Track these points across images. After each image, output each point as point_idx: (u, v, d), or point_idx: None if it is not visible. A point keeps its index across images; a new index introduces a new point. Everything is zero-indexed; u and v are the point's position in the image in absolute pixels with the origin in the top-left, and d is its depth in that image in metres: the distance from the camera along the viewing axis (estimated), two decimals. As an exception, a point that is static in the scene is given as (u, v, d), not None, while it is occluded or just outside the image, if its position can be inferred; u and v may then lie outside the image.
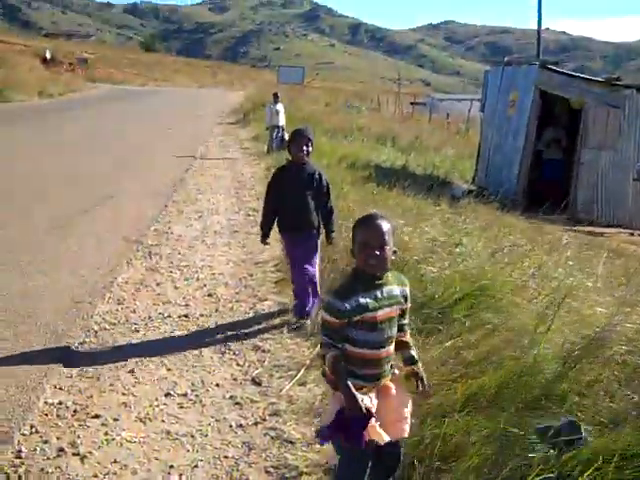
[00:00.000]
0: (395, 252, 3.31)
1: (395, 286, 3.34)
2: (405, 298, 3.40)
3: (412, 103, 52.87)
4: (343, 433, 3.24)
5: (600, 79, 17.51)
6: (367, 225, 3.27)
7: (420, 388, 3.47)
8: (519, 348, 4.93)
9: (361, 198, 11.46)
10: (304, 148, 6.29)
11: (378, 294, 3.25)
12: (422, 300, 6.12)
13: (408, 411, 3.48)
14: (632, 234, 15.17)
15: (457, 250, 7.81)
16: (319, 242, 6.68)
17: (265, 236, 6.67)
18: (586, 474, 3.12)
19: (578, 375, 4.45)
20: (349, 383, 3.21)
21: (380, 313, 3.23)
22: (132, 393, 5.09)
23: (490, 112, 20.01)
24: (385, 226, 3.23)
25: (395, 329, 3.35)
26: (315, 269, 6.60)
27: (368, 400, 3.30)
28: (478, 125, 23.41)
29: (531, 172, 17.15)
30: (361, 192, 12.52)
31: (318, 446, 4.22)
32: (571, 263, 8.03)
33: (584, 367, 4.53)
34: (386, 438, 3.28)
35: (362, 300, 3.20)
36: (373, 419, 3.22)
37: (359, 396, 3.21)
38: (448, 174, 21.24)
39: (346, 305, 3.18)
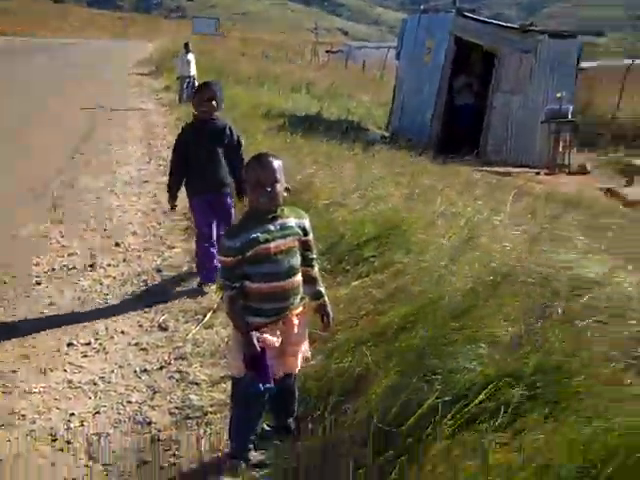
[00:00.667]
0: (287, 189, 3.32)
1: (291, 218, 3.32)
2: (304, 230, 3.38)
3: (328, 51, 52.49)
4: (251, 372, 3.23)
5: (514, 25, 17.69)
6: (257, 164, 3.26)
7: (325, 321, 3.51)
8: (427, 284, 4.94)
9: (275, 146, 11.33)
10: (206, 103, 5.77)
11: (270, 227, 3.23)
12: (332, 241, 6.10)
13: (305, 347, 3.51)
14: (538, 173, 15.54)
15: (370, 194, 7.80)
16: (232, 203, 6.12)
17: (172, 198, 6.03)
18: (484, 392, 3.16)
19: (482, 308, 4.47)
20: (244, 323, 3.25)
21: (273, 245, 3.21)
22: (32, 345, 4.94)
23: (406, 59, 20.00)
24: (275, 163, 3.24)
25: (295, 261, 3.32)
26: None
27: (272, 338, 3.27)
28: (394, 73, 23.37)
29: (444, 117, 17.26)
30: (275, 140, 12.39)
31: (223, 385, 4.18)
32: (480, 202, 8.11)
33: (490, 300, 4.56)
34: (282, 371, 3.30)
35: (253, 234, 3.18)
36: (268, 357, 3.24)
37: (254, 335, 3.22)
38: (363, 120, 21.23)
39: (236, 242, 3.18)
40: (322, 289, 3.55)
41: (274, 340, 3.30)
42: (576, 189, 13.11)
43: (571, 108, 16.12)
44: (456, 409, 3.09)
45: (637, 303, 4.37)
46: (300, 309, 3.43)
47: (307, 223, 3.41)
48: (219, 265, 4.57)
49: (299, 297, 3.39)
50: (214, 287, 5.94)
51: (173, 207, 6.13)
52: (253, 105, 18.03)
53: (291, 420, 3.72)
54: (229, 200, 6.07)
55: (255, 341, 3.21)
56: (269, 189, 3.17)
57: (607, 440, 2.79)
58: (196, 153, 5.81)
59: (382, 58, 39.95)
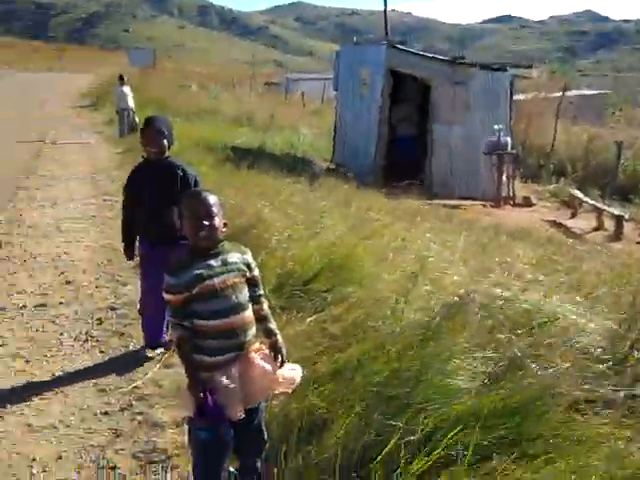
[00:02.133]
0: (225, 224, 3.33)
1: (233, 253, 3.33)
2: (248, 266, 3.37)
3: (266, 83, 52.77)
4: (210, 418, 3.22)
5: (446, 58, 18.09)
6: (194, 198, 3.30)
7: (279, 360, 3.44)
8: (381, 319, 5.01)
9: (220, 180, 11.36)
10: (155, 143, 5.24)
11: (212, 263, 3.23)
12: (283, 277, 6.14)
13: (274, 379, 3.41)
14: (484, 205, 15.81)
15: (317, 227, 7.88)
16: None
17: (128, 247, 5.53)
18: (450, 434, 3.21)
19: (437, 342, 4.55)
20: (190, 364, 3.23)
21: (217, 280, 3.20)
22: (-13, 388, 4.86)
23: (343, 91, 20.25)
24: (211, 198, 3.27)
25: (242, 297, 3.29)
26: None
27: (223, 379, 3.25)
28: (333, 103, 23.62)
29: (387, 148, 17.50)
30: (220, 174, 12.42)
31: (186, 427, 4.18)
32: (429, 235, 8.27)
33: (443, 333, 4.64)
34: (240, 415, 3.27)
35: (195, 271, 3.18)
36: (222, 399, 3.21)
37: (201, 378, 3.21)
38: (306, 153, 21.38)
39: (180, 279, 3.18)
40: (273, 326, 3.51)
41: (226, 382, 3.23)
42: (522, 221, 13.43)
43: (509, 140, 16.54)
44: (423, 451, 3.13)
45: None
46: (256, 345, 3.39)
47: (250, 258, 3.41)
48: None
49: (251, 333, 3.34)
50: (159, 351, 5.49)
51: (131, 258, 5.61)
52: (195, 138, 18.01)
53: (258, 463, 3.65)
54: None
55: (198, 384, 3.18)
56: (207, 223, 3.19)
57: None
58: (148, 197, 5.28)
59: (320, 89, 40.33)
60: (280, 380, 3.44)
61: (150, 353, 5.45)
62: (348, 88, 19.77)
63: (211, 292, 3.20)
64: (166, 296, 3.26)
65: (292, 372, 3.47)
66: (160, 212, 5.17)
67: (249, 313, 3.34)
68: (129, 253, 5.55)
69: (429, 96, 17.25)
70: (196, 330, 3.24)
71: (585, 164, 21.37)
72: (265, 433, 3.63)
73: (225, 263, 3.26)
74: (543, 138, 23.22)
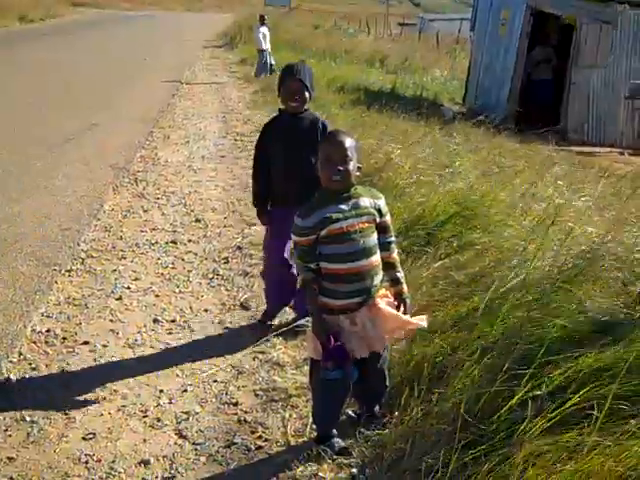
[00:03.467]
0: (360, 168, 3.29)
1: (365, 198, 3.29)
2: (379, 211, 3.33)
3: (401, 24, 51.95)
4: (325, 357, 3.26)
5: (592, -5, 17.15)
6: (330, 141, 3.27)
7: (402, 309, 3.42)
8: (508, 268, 4.88)
9: (351, 121, 11.32)
10: (296, 97, 4.58)
11: (343, 206, 3.21)
12: (410, 221, 6.07)
13: (398, 327, 3.42)
14: (622, 153, 15.07)
15: (447, 171, 7.74)
16: None
17: (264, 215, 4.89)
18: (582, 391, 3.09)
19: (567, 292, 4.39)
20: (315, 306, 3.27)
21: (346, 224, 3.19)
22: (120, 320, 5.06)
23: (481, 32, 19.62)
24: (348, 141, 3.21)
25: (371, 241, 3.27)
26: None
27: (347, 322, 3.27)
28: (468, 45, 23.02)
29: (522, 93, 16.91)
30: (350, 115, 12.37)
31: (307, 368, 4.21)
32: (561, 183, 7.98)
33: (574, 283, 4.47)
34: (361, 354, 3.31)
35: (325, 214, 3.18)
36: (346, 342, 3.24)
37: (327, 320, 3.25)
38: (438, 96, 20.99)
39: (309, 221, 3.19)
40: (400, 275, 3.48)
41: (350, 326, 3.27)
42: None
43: (656, 82, 15.64)
44: (550, 407, 3.02)
45: None
46: (382, 291, 3.38)
47: (383, 203, 3.37)
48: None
49: (377, 279, 3.33)
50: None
51: (268, 222, 4.92)
52: (328, 79, 18.01)
53: (377, 407, 3.70)
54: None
55: (324, 327, 3.23)
56: (341, 167, 3.15)
57: None
58: (282, 155, 4.65)
59: (455, 30, 39.39)
60: (405, 328, 3.42)
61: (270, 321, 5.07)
62: (485, 29, 19.13)
63: (339, 235, 3.19)
64: (294, 238, 3.29)
65: (417, 321, 3.43)
66: (300, 172, 4.51)
67: (376, 258, 3.32)
68: (265, 218, 4.89)
69: (571, 37, 16.42)
70: (323, 273, 3.26)
71: None
72: (387, 378, 3.63)
73: (356, 207, 3.24)
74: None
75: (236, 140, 11.47)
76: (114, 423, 3.81)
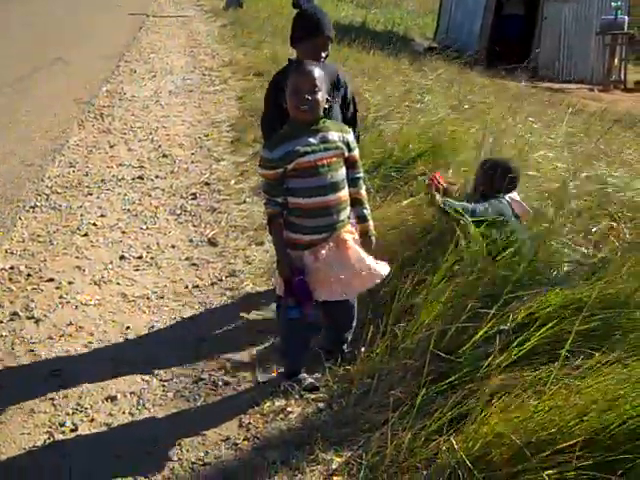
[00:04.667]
0: (328, 100, 3.22)
1: (333, 132, 3.21)
2: (347, 145, 3.25)
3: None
4: (296, 297, 3.22)
5: None
6: (298, 71, 3.17)
7: (367, 247, 3.37)
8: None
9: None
10: (322, 54, 3.64)
11: (311, 140, 3.13)
12: (380, 158, 6.01)
13: (368, 264, 3.33)
14: (592, 90, 15.07)
15: (417, 106, 7.66)
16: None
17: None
18: (544, 329, 3.10)
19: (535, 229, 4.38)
20: (280, 242, 3.25)
21: (313, 157, 3.12)
22: (86, 257, 5.00)
23: (453, -35, 19.36)
24: (316, 72, 3.13)
25: (339, 176, 3.21)
26: None
27: (311, 258, 3.23)
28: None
29: (493, 28, 16.77)
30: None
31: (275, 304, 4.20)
32: (532, 119, 7.94)
33: (541, 220, 4.46)
34: (324, 296, 3.26)
35: (292, 146, 3.10)
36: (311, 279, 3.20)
37: (289, 255, 3.22)
38: (409, 31, 20.75)
39: (275, 153, 3.11)
40: (367, 212, 3.41)
41: (314, 261, 3.21)
42: (632, 107, 12.75)
43: (627, 19, 15.54)
44: (514, 343, 3.03)
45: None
46: (348, 227, 3.33)
47: (351, 138, 3.30)
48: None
49: (345, 215, 3.28)
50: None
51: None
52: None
53: (345, 345, 3.68)
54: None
55: (287, 262, 3.20)
56: (308, 97, 3.08)
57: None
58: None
59: (428, -37, 38.74)
60: (368, 269, 3.36)
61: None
62: (458, -38, 18.88)
63: (307, 169, 3.13)
64: (261, 171, 3.24)
65: (379, 266, 3.38)
66: None
67: (344, 194, 3.26)
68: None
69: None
70: (289, 207, 3.21)
71: None
72: (354, 314, 3.61)
73: (324, 141, 3.17)
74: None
75: (204, 75, 11.28)
76: (80, 360, 3.78)
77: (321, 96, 3.12)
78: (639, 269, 3.52)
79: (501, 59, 14.89)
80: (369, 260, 3.32)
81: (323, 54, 3.66)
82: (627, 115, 10.77)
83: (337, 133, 3.22)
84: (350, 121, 3.89)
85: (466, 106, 8.24)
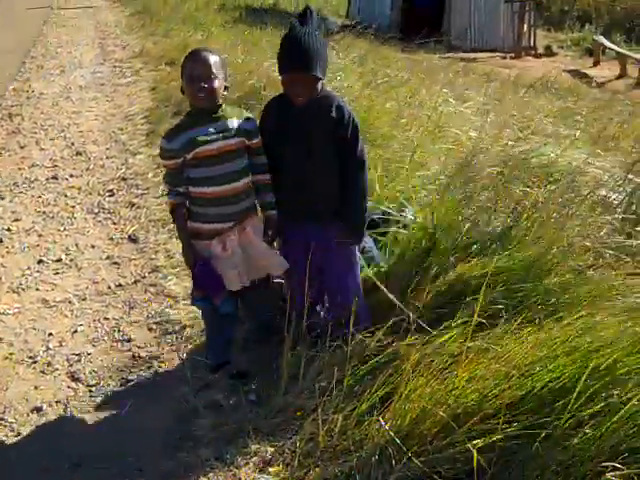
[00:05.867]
0: (227, 87, 3.17)
1: (234, 119, 3.16)
2: (249, 132, 3.20)
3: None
4: (203, 288, 3.22)
5: None
6: (193, 58, 3.10)
7: (269, 235, 3.34)
8: (394, 178, 4.88)
9: (233, 40, 11.03)
10: (302, 92, 3.16)
11: (210, 128, 3.08)
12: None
13: (268, 257, 3.33)
14: (504, 57, 15.31)
15: (331, 85, 7.63)
16: (354, 250, 3.51)
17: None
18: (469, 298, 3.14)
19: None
20: (183, 232, 3.22)
21: (213, 146, 3.07)
22: (2, 264, 4.85)
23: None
24: (212, 59, 3.07)
25: (240, 164, 3.17)
26: (352, 291, 3.40)
27: (218, 247, 3.19)
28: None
29: (404, 2, 16.85)
30: (231, 34, 12.05)
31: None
32: (446, 90, 7.99)
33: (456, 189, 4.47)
34: (238, 285, 3.23)
35: (191, 135, 3.05)
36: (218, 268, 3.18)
37: (193, 246, 3.20)
38: (321, 10, 20.69)
39: (174, 143, 3.06)
40: (270, 199, 3.34)
41: (222, 251, 3.18)
42: (543, 72, 12.97)
43: (534, -15, 15.82)
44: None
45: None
46: (253, 216, 3.31)
47: (253, 125, 3.24)
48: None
49: (249, 203, 3.26)
50: None
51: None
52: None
53: (267, 329, 3.63)
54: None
55: (191, 253, 3.19)
56: (205, 85, 3.02)
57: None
58: (289, 153, 3.26)
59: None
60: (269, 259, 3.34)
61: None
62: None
63: (207, 158, 3.08)
64: (161, 161, 3.21)
65: (279, 265, 3.36)
66: (305, 176, 3.24)
67: (246, 181, 3.23)
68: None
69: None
70: (191, 197, 3.18)
71: (611, 8, 20.48)
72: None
73: (224, 129, 3.12)
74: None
75: (115, 67, 11.05)
76: (1, 372, 3.67)
77: (218, 83, 3.06)
78: (550, 234, 3.58)
79: (414, 32, 14.97)
80: (270, 253, 3.34)
81: (303, 93, 3.13)
82: (539, 81, 10.93)
83: (237, 120, 3.17)
84: (351, 167, 3.24)
85: (380, 81, 8.24)
